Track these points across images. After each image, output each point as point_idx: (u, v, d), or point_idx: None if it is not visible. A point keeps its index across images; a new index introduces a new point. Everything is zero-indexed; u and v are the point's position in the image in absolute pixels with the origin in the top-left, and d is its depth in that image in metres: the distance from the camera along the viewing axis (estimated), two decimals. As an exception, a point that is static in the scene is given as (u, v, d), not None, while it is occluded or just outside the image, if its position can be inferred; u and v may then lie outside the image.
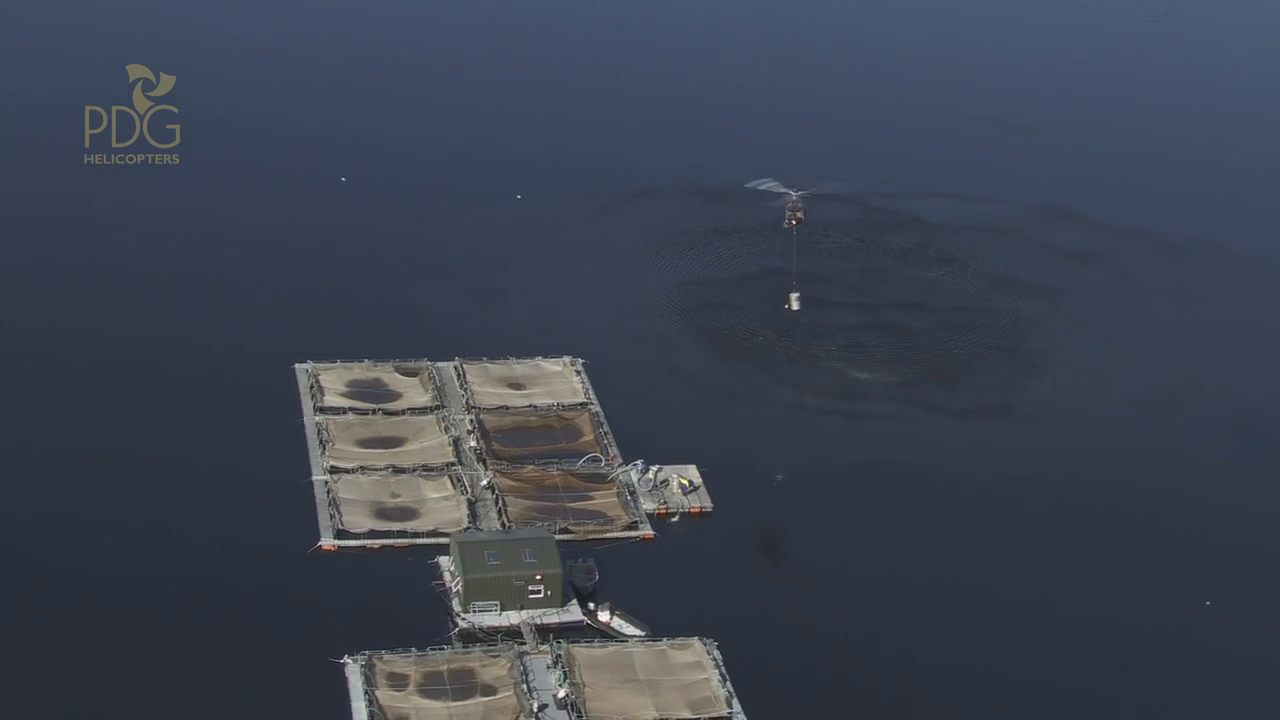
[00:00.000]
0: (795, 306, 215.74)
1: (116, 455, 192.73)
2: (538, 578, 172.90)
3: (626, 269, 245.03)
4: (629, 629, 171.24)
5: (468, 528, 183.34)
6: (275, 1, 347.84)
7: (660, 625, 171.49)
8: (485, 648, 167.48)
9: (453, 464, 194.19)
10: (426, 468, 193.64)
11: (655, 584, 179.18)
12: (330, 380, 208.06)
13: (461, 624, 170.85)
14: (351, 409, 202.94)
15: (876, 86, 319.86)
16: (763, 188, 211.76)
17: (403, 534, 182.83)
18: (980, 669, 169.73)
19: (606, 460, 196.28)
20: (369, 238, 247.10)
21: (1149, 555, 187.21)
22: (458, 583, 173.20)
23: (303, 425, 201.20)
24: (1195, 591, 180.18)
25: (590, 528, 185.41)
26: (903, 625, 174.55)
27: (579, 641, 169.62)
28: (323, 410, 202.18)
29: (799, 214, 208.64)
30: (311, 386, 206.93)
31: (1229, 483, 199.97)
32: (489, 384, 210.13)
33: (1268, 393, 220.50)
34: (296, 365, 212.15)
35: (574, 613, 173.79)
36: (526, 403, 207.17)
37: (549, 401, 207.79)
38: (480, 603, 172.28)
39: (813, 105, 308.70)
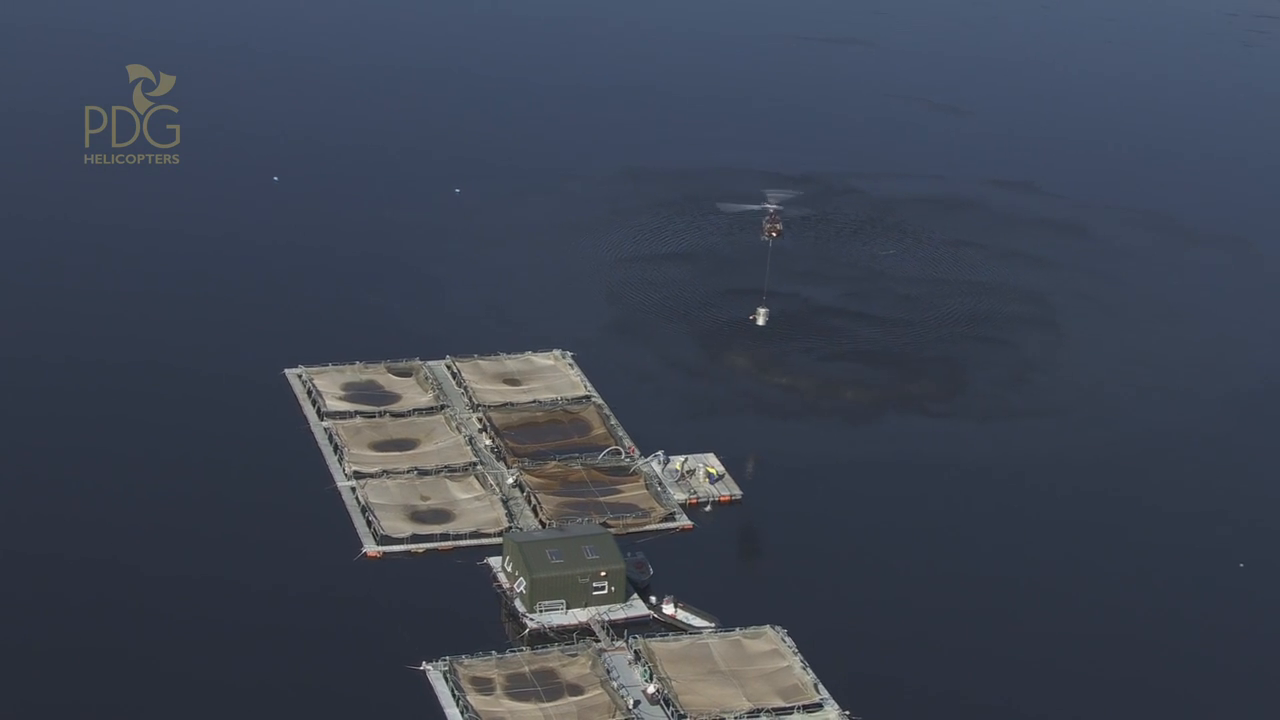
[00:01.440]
0: (761, 322, 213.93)
1: (132, 475, 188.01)
2: (602, 574, 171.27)
3: (584, 257, 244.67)
4: (696, 620, 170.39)
5: (509, 527, 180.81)
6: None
7: (720, 615, 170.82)
8: (562, 647, 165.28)
9: (475, 463, 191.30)
10: (450, 469, 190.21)
11: (705, 574, 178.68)
12: (325, 384, 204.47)
13: (531, 624, 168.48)
14: (358, 412, 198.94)
15: (800, 74, 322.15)
16: (736, 209, 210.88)
17: (444, 537, 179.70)
18: (1032, 656, 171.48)
19: (627, 453, 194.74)
20: (311, 240, 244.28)
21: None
22: (519, 583, 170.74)
23: (308, 432, 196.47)
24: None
25: (629, 521, 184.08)
26: (964, 612, 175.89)
27: (653, 636, 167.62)
28: (329, 415, 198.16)
29: (777, 226, 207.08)
30: (310, 392, 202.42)
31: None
32: (486, 381, 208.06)
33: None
34: (287, 370, 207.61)
35: (638, 607, 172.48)
36: (529, 398, 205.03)
37: (552, 396, 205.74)
38: (546, 602, 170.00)
39: (741, 94, 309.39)
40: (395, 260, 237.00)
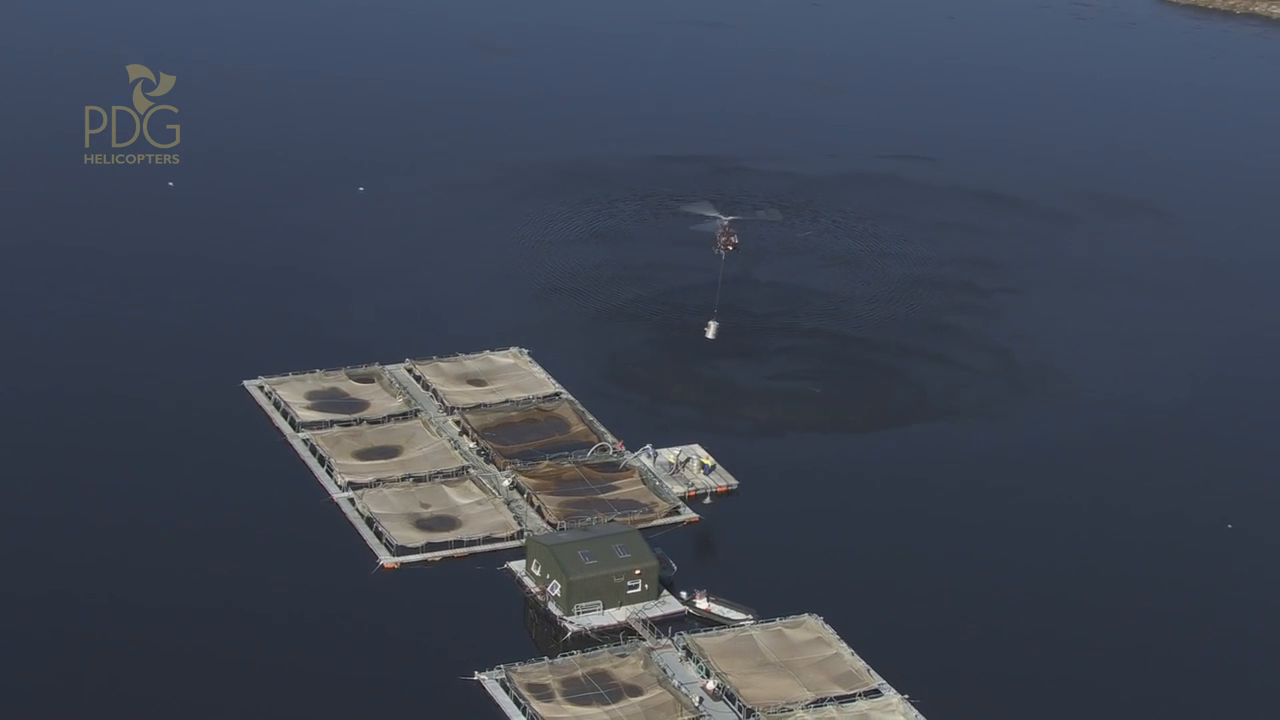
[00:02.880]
0: (711, 335, 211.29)
1: (116, 508, 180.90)
2: (636, 572, 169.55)
3: (503, 251, 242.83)
4: (733, 613, 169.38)
5: (521, 530, 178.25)
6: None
7: (748, 605, 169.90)
8: (611, 648, 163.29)
9: (466, 467, 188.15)
10: (443, 474, 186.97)
11: (723, 566, 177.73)
12: (289, 394, 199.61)
13: (572, 628, 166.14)
14: (334, 422, 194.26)
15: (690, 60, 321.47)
16: (695, 211, 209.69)
17: (458, 544, 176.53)
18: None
19: (614, 448, 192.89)
20: (228, 248, 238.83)
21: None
22: (553, 586, 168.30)
23: (285, 445, 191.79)
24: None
25: (636, 518, 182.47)
26: (986, 592, 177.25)
27: (697, 631, 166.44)
28: (305, 426, 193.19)
29: (733, 240, 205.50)
30: (278, 404, 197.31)
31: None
32: (451, 383, 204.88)
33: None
34: (246, 382, 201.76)
35: (672, 604, 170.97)
36: (500, 398, 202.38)
37: (523, 395, 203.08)
38: (583, 604, 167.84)
39: (621, 81, 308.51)
40: (322, 264, 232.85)
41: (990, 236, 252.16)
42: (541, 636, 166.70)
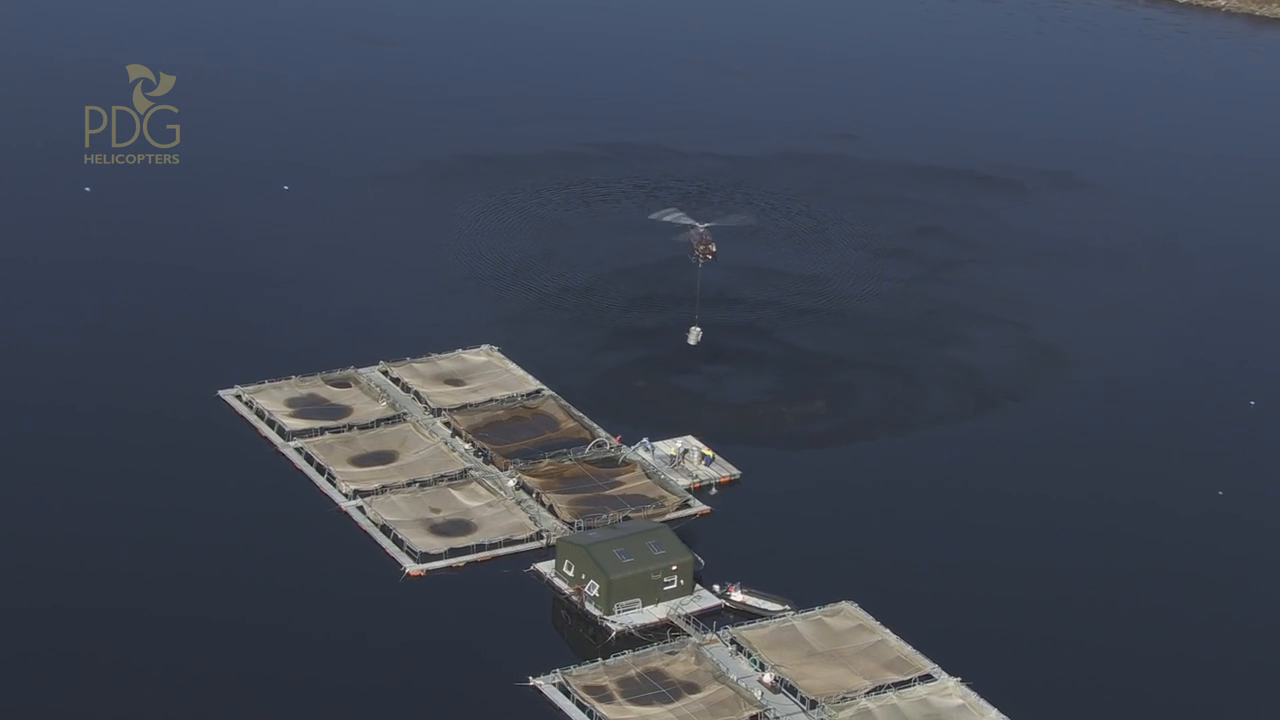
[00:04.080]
0: (693, 341, 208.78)
1: (118, 527, 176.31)
2: (673, 568, 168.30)
3: (449, 247, 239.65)
4: (769, 604, 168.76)
5: (540, 531, 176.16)
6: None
7: (778, 594, 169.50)
8: (660, 645, 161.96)
9: (468, 469, 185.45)
10: (447, 477, 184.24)
11: (744, 556, 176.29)
12: (268, 403, 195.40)
13: (616, 627, 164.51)
14: (324, 429, 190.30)
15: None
16: (667, 219, 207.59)
17: (480, 548, 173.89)
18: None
19: (613, 443, 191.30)
20: (165, 256, 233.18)
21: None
22: (591, 586, 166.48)
23: (277, 454, 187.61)
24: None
25: (650, 512, 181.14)
26: (1016, 570, 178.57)
27: (739, 624, 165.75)
28: (297, 435, 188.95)
29: (710, 248, 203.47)
30: (262, 414, 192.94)
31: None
32: (429, 383, 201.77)
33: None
34: (222, 392, 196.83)
35: (708, 598, 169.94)
36: (483, 398, 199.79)
37: (505, 393, 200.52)
38: (623, 602, 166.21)
39: (530, 71, 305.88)
40: (266, 267, 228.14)
41: (934, 210, 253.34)
42: (575, 638, 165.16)
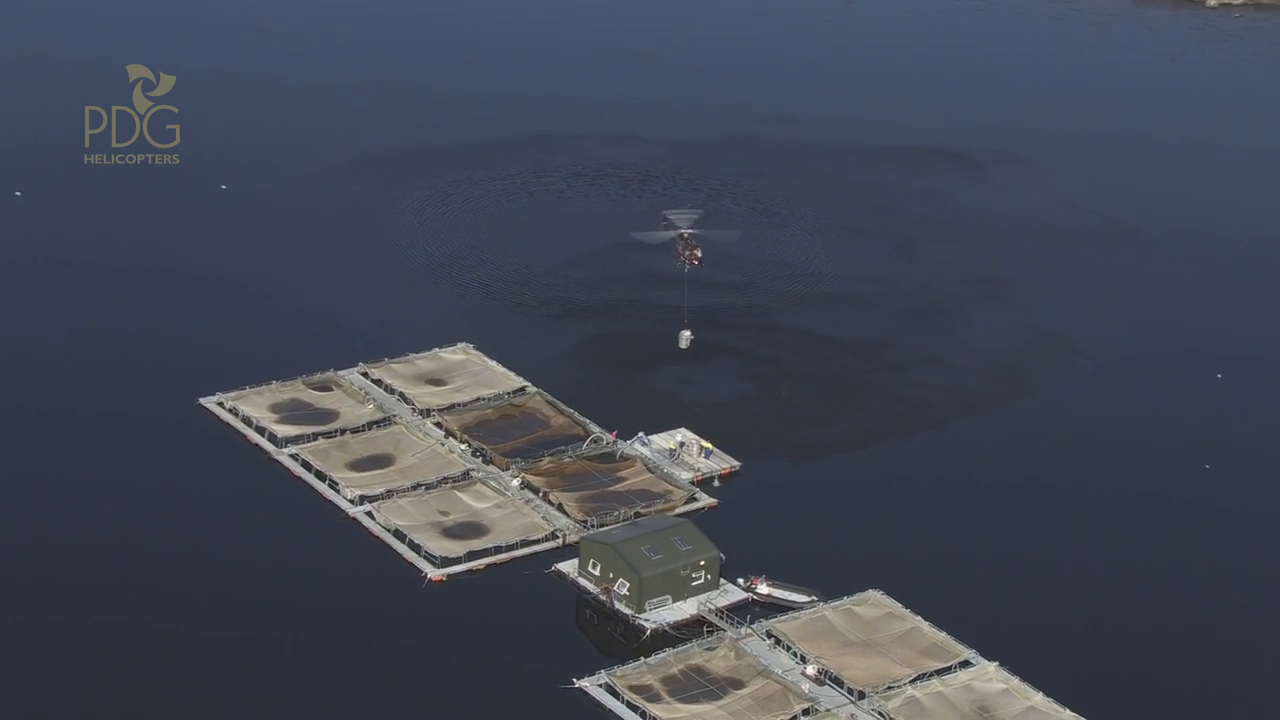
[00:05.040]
0: (684, 345, 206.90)
1: (116, 540, 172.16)
2: (701, 563, 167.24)
3: (402, 242, 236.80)
4: (794, 595, 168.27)
5: (554, 531, 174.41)
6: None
7: (799, 584, 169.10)
8: (698, 641, 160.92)
9: (470, 470, 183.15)
10: (450, 479, 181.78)
11: (758, 548, 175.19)
12: (252, 409, 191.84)
13: (650, 625, 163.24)
14: (317, 434, 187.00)
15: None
16: (650, 236, 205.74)
17: (498, 550, 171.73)
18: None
19: (610, 438, 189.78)
20: (111, 259, 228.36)
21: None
22: (620, 585, 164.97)
23: (271, 462, 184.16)
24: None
25: (660, 507, 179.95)
26: (1031, 554, 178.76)
27: (772, 617, 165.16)
28: (290, 441, 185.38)
29: (697, 253, 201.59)
30: (249, 420, 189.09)
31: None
32: (412, 384, 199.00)
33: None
34: (202, 399, 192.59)
35: (734, 592, 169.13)
36: (469, 397, 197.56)
37: (491, 391, 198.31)
38: (654, 600, 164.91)
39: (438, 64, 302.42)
40: (219, 269, 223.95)
41: (887, 190, 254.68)
42: (606, 637, 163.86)
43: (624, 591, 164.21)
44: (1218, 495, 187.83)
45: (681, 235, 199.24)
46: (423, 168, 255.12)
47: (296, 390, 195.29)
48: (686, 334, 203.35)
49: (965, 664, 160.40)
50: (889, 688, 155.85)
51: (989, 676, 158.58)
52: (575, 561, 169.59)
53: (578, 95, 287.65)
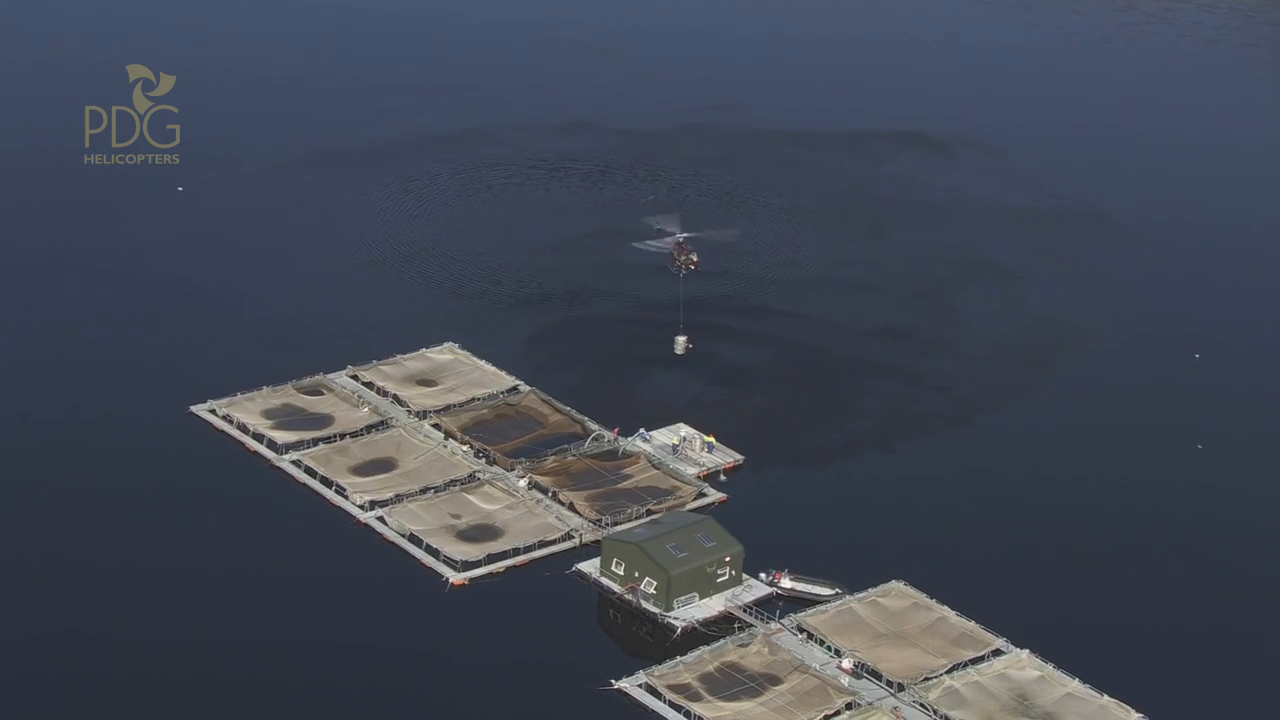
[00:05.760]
0: (680, 351, 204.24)
1: (129, 552, 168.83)
2: (726, 559, 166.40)
3: (367, 240, 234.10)
4: (818, 589, 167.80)
5: (568, 532, 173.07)
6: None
7: (820, 576, 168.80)
8: (731, 638, 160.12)
9: (475, 471, 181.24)
10: (458, 482, 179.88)
11: (773, 541, 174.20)
12: (246, 415, 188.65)
13: (680, 624, 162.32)
14: (317, 440, 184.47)
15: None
16: (649, 243, 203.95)
17: (516, 552, 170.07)
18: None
19: (611, 436, 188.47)
20: (76, 260, 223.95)
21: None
22: (647, 583, 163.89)
23: (272, 469, 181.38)
24: None
25: (671, 503, 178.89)
26: (1040, 542, 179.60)
27: (801, 611, 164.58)
28: (292, 448, 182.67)
29: (693, 259, 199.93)
30: (245, 428, 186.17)
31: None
32: (403, 386, 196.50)
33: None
34: (194, 407, 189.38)
35: (758, 587, 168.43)
36: (464, 397, 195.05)
37: (485, 391, 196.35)
38: (681, 597, 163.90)
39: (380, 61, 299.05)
40: (186, 272, 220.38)
41: (848, 174, 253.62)
42: (633, 637, 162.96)
43: (651, 590, 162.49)
44: (1221, 479, 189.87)
45: (678, 240, 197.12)
46: (373, 163, 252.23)
47: (288, 395, 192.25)
48: (682, 339, 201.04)
49: (996, 653, 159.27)
50: (926, 679, 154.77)
51: (1022, 664, 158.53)
52: (596, 561, 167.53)
53: (524, 87, 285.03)
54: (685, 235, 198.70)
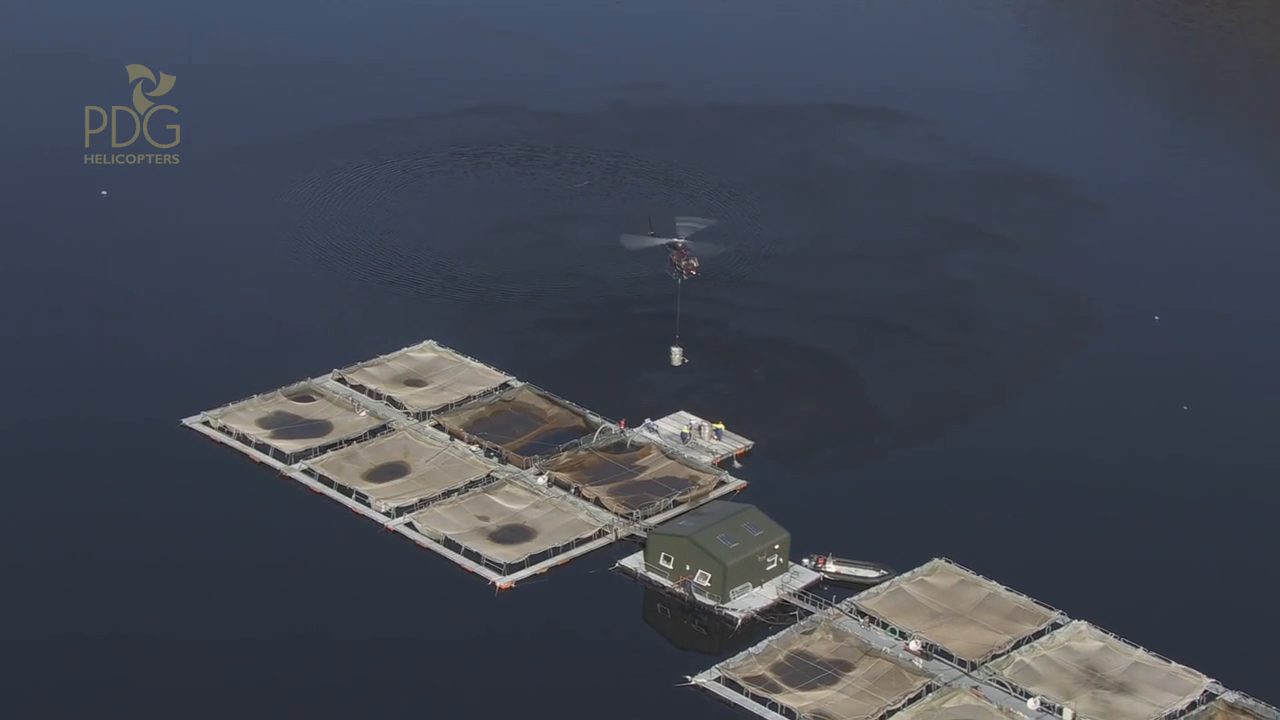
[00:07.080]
0: (676, 362, 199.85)
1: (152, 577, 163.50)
2: (775, 547, 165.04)
3: (315, 237, 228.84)
4: (864, 571, 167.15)
5: (602, 530, 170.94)
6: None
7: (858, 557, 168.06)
8: (795, 626, 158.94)
9: (493, 472, 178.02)
10: (478, 483, 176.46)
11: (804, 525, 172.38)
12: (242, 425, 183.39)
13: (740, 615, 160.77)
14: (324, 447, 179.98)
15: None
16: (639, 242, 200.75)
17: (556, 551, 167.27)
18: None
19: (618, 427, 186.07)
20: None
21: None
22: (701, 575, 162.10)
23: (284, 479, 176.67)
24: None
25: (694, 493, 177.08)
26: (1076, 514, 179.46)
27: (855, 595, 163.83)
28: (301, 456, 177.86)
29: (693, 264, 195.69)
30: (243, 438, 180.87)
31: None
32: (392, 387, 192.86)
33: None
34: (186, 420, 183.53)
35: (806, 573, 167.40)
36: (458, 395, 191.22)
37: (479, 389, 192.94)
38: (737, 588, 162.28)
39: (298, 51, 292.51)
40: (133, 277, 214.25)
41: (787, 148, 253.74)
42: (683, 630, 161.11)
43: (705, 582, 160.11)
44: (1232, 448, 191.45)
45: (675, 244, 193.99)
46: (294, 156, 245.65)
47: (279, 403, 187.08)
48: (678, 351, 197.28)
49: (1054, 626, 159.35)
50: (994, 656, 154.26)
51: (1083, 635, 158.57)
52: (639, 556, 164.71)
53: (436, 75, 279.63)
54: (683, 239, 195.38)
